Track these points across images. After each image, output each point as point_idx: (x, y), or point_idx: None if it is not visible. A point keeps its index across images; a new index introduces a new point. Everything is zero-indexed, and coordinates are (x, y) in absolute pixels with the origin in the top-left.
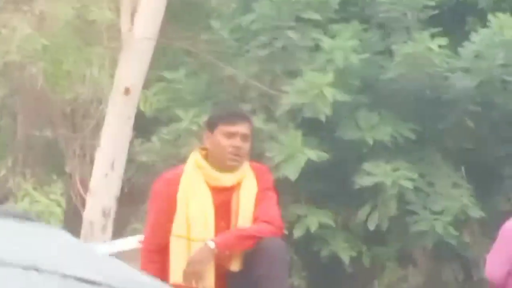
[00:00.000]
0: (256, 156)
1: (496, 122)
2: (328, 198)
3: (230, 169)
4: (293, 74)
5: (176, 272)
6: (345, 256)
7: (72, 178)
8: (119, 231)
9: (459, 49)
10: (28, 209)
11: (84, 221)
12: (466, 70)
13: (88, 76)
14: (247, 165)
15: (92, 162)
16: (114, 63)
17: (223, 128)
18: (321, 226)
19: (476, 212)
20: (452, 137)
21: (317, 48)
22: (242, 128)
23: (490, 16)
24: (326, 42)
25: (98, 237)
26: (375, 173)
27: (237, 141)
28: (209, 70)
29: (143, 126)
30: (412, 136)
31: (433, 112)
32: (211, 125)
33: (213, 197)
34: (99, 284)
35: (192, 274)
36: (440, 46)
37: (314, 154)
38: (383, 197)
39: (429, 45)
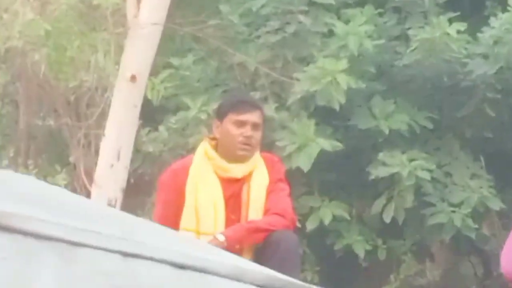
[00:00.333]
0: (267, 146)
1: None
2: (342, 190)
3: (241, 159)
4: (305, 60)
5: None
6: (360, 250)
7: (76, 169)
8: None
9: (478, 35)
10: None
11: None
12: (485, 56)
13: (92, 62)
14: (258, 155)
15: (97, 152)
16: (119, 49)
17: (233, 117)
18: (335, 218)
19: (496, 204)
20: (471, 125)
21: (330, 33)
22: (252, 116)
23: (510, 0)
24: (339, 27)
25: None
26: (391, 163)
27: (247, 130)
28: (218, 57)
29: (150, 114)
30: (429, 125)
31: (451, 100)
32: (221, 114)
33: (223, 189)
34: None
35: None
36: (458, 31)
37: (328, 144)
38: (399, 188)
39: (447, 30)
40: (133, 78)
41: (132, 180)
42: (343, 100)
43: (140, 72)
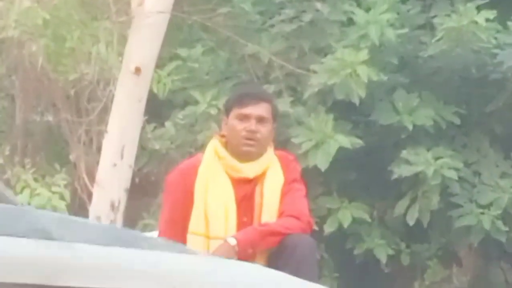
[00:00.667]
0: (281, 143)
1: None
2: (363, 190)
3: (246, 156)
4: (322, 51)
5: None
6: (382, 255)
7: (76, 168)
8: (129, 227)
9: (509, 23)
10: (28, 202)
11: (90, 215)
12: None
13: (94, 54)
14: (272, 153)
15: (99, 150)
16: (123, 40)
17: (236, 111)
18: (355, 221)
19: None
20: (501, 121)
21: (349, 22)
22: (256, 109)
23: None
24: (359, 16)
25: None
26: (415, 161)
27: (251, 124)
28: (229, 47)
29: (156, 109)
30: (456, 120)
31: (480, 93)
32: (227, 109)
33: (234, 190)
34: None
35: None
36: (487, 20)
37: (347, 141)
38: (424, 188)
39: (475, 19)
40: (137, 70)
41: (136, 180)
42: (363, 93)
43: (145, 64)
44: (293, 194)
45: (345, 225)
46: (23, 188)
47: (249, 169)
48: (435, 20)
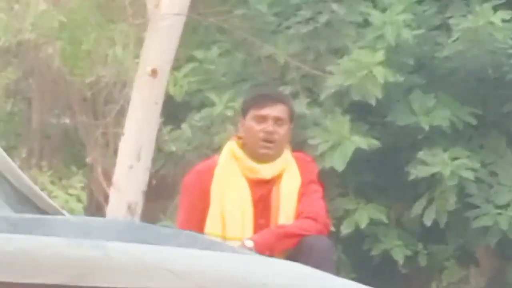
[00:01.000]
0: (298, 144)
1: None
2: (379, 191)
3: (264, 157)
4: (339, 52)
5: None
6: (399, 256)
7: (93, 171)
8: None
9: None
10: None
11: (107, 218)
12: None
13: (110, 56)
14: (289, 155)
15: (115, 152)
16: (139, 42)
17: (253, 112)
18: (372, 222)
19: None
20: None
21: (365, 23)
22: (274, 110)
23: None
24: (375, 17)
25: None
26: (432, 162)
27: (268, 125)
28: (245, 49)
29: (172, 111)
30: (473, 121)
31: (496, 94)
32: (244, 111)
33: (251, 191)
34: None
35: None
36: (503, 20)
37: (364, 142)
38: (441, 189)
39: (491, 19)
40: (154, 72)
41: (153, 182)
42: (380, 94)
43: (162, 66)
44: (310, 196)
45: (362, 226)
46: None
47: (265, 170)
48: (451, 21)
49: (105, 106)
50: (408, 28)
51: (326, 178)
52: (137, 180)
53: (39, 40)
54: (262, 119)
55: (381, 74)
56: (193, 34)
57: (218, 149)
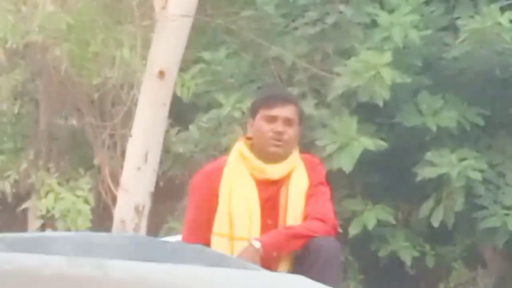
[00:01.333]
0: (305, 146)
1: None
2: (387, 192)
3: (273, 157)
4: (346, 53)
5: None
6: (407, 257)
7: (101, 172)
8: (153, 231)
9: None
10: (52, 207)
11: (115, 219)
12: None
13: (117, 58)
14: (297, 156)
15: (123, 154)
16: (146, 44)
17: (263, 112)
18: (380, 223)
19: None
20: None
21: (373, 24)
22: (283, 111)
23: None
24: (383, 18)
25: None
26: (439, 163)
27: (278, 126)
28: (252, 50)
29: (180, 113)
30: (481, 122)
31: (504, 95)
32: (253, 111)
33: (259, 192)
34: None
35: None
36: (511, 21)
37: (371, 143)
38: (449, 190)
39: (499, 20)
40: (161, 74)
41: (161, 184)
42: (387, 95)
43: (169, 68)
44: (318, 197)
45: (370, 227)
46: (47, 192)
47: (274, 171)
48: (459, 22)
49: (112, 107)
50: (416, 29)
51: (334, 179)
52: (144, 182)
53: (47, 42)
54: (272, 119)
55: (389, 75)
56: (201, 36)
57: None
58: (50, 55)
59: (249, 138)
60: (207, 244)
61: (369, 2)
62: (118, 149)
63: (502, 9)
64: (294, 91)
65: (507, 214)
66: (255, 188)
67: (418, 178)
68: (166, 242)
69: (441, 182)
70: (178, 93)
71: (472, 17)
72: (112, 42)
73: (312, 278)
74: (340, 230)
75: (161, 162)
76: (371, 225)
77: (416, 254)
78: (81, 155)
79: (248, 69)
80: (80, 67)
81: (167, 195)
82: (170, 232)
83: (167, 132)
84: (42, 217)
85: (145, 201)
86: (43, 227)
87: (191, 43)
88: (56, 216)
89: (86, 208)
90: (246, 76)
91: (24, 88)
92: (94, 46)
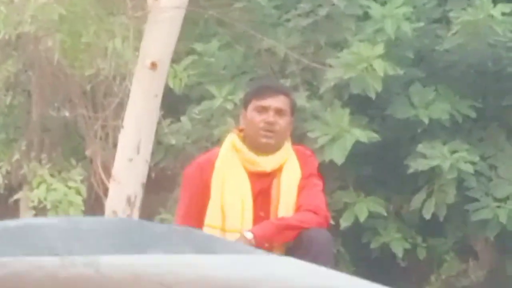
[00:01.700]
0: (297, 138)
1: None
2: (379, 184)
3: (265, 149)
4: (338, 45)
5: None
6: (398, 249)
7: (93, 163)
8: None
9: None
10: (44, 197)
11: (106, 210)
12: None
13: (110, 49)
14: (289, 147)
15: (115, 145)
16: (139, 35)
17: (255, 103)
18: (371, 215)
19: None
20: None
21: (365, 16)
22: (275, 101)
23: None
24: (375, 10)
25: None
26: (431, 155)
27: (270, 116)
28: (245, 42)
29: (172, 104)
30: (473, 114)
31: (496, 87)
32: (245, 102)
33: (251, 184)
34: None
35: None
36: (503, 13)
37: (363, 135)
38: (440, 182)
39: (491, 12)
40: (153, 65)
41: (153, 175)
42: (379, 88)
43: (161, 59)
44: (310, 189)
45: (362, 219)
46: (39, 183)
47: (266, 163)
48: (451, 14)
49: (104, 99)
50: (408, 21)
51: (326, 171)
52: (136, 173)
53: (39, 33)
54: (263, 109)
55: (381, 67)
56: (193, 27)
57: (217, 142)
58: (43, 46)
59: (241, 130)
60: None
61: None
62: (110, 140)
63: (495, 2)
64: (287, 83)
65: (498, 207)
66: (247, 180)
67: (410, 170)
68: (154, 225)
69: (432, 174)
70: (170, 85)
71: (464, 9)
72: (105, 33)
73: None
74: (332, 222)
75: (153, 154)
76: (362, 217)
77: (407, 246)
78: (73, 146)
79: (241, 61)
80: (72, 58)
81: (159, 186)
82: (162, 223)
83: (159, 123)
84: (34, 208)
85: (137, 192)
86: None
87: (183, 34)
88: (48, 207)
89: (78, 199)
90: (238, 67)
91: (16, 79)
92: (87, 37)
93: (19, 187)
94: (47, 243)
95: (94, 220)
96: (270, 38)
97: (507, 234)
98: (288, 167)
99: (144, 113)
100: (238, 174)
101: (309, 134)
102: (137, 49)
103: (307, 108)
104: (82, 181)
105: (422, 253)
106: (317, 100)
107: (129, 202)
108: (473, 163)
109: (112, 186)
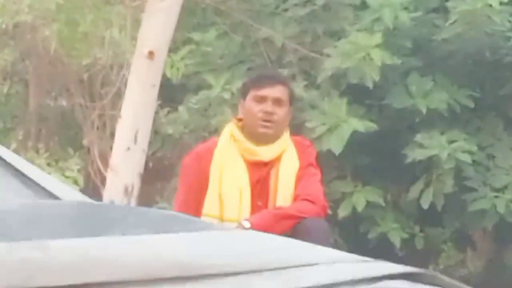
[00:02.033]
0: (295, 127)
1: None
2: (377, 174)
3: (263, 138)
4: (336, 35)
5: None
6: (396, 238)
7: (90, 153)
8: None
9: None
10: None
11: (104, 200)
12: None
13: (107, 38)
14: (288, 137)
15: (112, 134)
16: (136, 24)
17: (253, 93)
18: (369, 205)
19: None
20: None
21: (363, 5)
22: (273, 91)
23: None
24: None
25: None
26: (429, 145)
27: (268, 106)
28: (242, 31)
29: (169, 94)
30: (470, 104)
31: (494, 77)
32: (243, 92)
33: (249, 173)
34: None
35: None
36: (501, 3)
37: (361, 125)
38: (438, 172)
39: (489, 2)
40: (151, 54)
41: (150, 165)
42: (377, 77)
43: (159, 48)
44: (308, 179)
45: (359, 209)
46: None
47: (264, 152)
48: (449, 3)
49: (102, 88)
50: (406, 11)
51: (323, 161)
52: (134, 163)
53: (36, 22)
54: (262, 99)
55: (379, 56)
56: (190, 16)
57: (215, 132)
58: (40, 35)
59: (240, 120)
60: None
61: None
62: (107, 129)
63: None
64: (284, 72)
65: (496, 197)
66: (245, 170)
67: (408, 160)
68: (114, 207)
69: (430, 164)
70: (168, 74)
71: None
72: (102, 22)
73: None
74: (330, 212)
75: (150, 143)
76: (360, 206)
77: (405, 236)
78: (71, 135)
79: (238, 50)
80: (69, 48)
81: (156, 176)
82: None
83: (156, 113)
84: None
85: (134, 181)
86: None
87: (180, 24)
88: None
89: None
90: (235, 57)
91: (13, 69)
92: (84, 26)
93: None
94: (4, 230)
95: (55, 204)
96: (268, 28)
97: (505, 224)
98: (286, 157)
99: (141, 103)
100: (236, 164)
101: (307, 124)
102: (134, 38)
103: (305, 98)
104: (79, 171)
105: (420, 243)
106: (314, 89)
107: (126, 191)
108: (471, 153)
109: (109, 175)
